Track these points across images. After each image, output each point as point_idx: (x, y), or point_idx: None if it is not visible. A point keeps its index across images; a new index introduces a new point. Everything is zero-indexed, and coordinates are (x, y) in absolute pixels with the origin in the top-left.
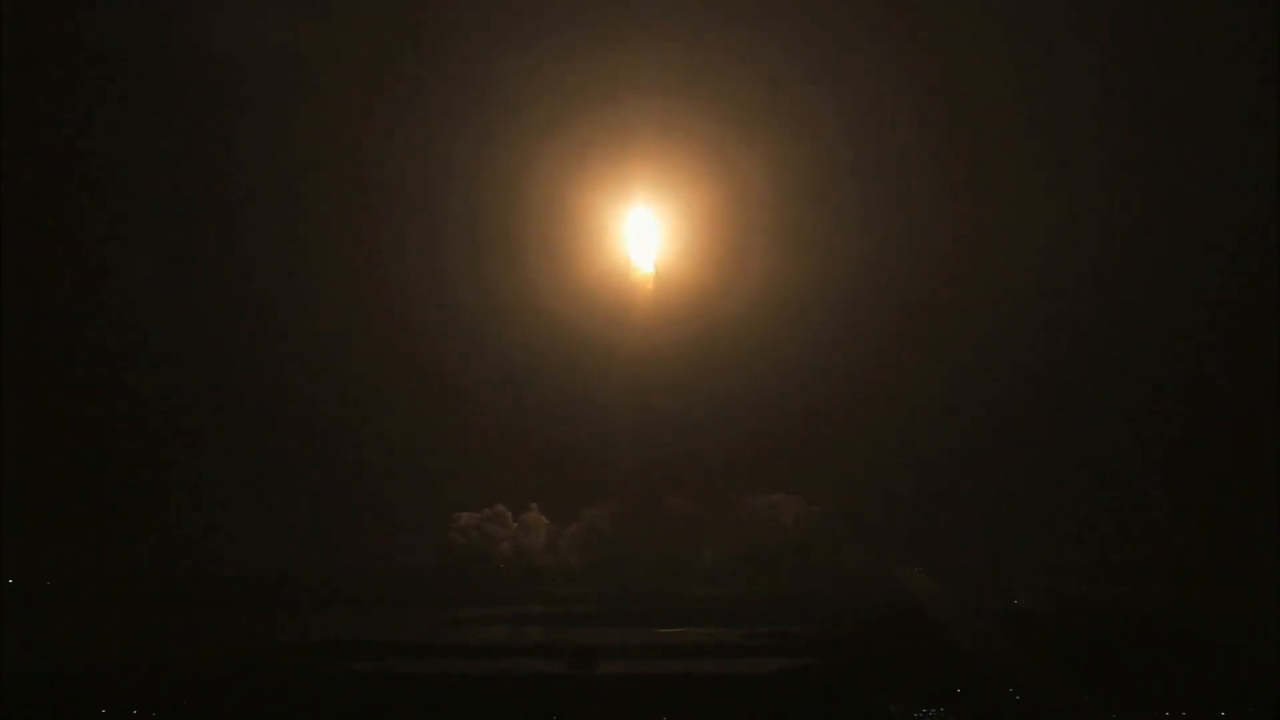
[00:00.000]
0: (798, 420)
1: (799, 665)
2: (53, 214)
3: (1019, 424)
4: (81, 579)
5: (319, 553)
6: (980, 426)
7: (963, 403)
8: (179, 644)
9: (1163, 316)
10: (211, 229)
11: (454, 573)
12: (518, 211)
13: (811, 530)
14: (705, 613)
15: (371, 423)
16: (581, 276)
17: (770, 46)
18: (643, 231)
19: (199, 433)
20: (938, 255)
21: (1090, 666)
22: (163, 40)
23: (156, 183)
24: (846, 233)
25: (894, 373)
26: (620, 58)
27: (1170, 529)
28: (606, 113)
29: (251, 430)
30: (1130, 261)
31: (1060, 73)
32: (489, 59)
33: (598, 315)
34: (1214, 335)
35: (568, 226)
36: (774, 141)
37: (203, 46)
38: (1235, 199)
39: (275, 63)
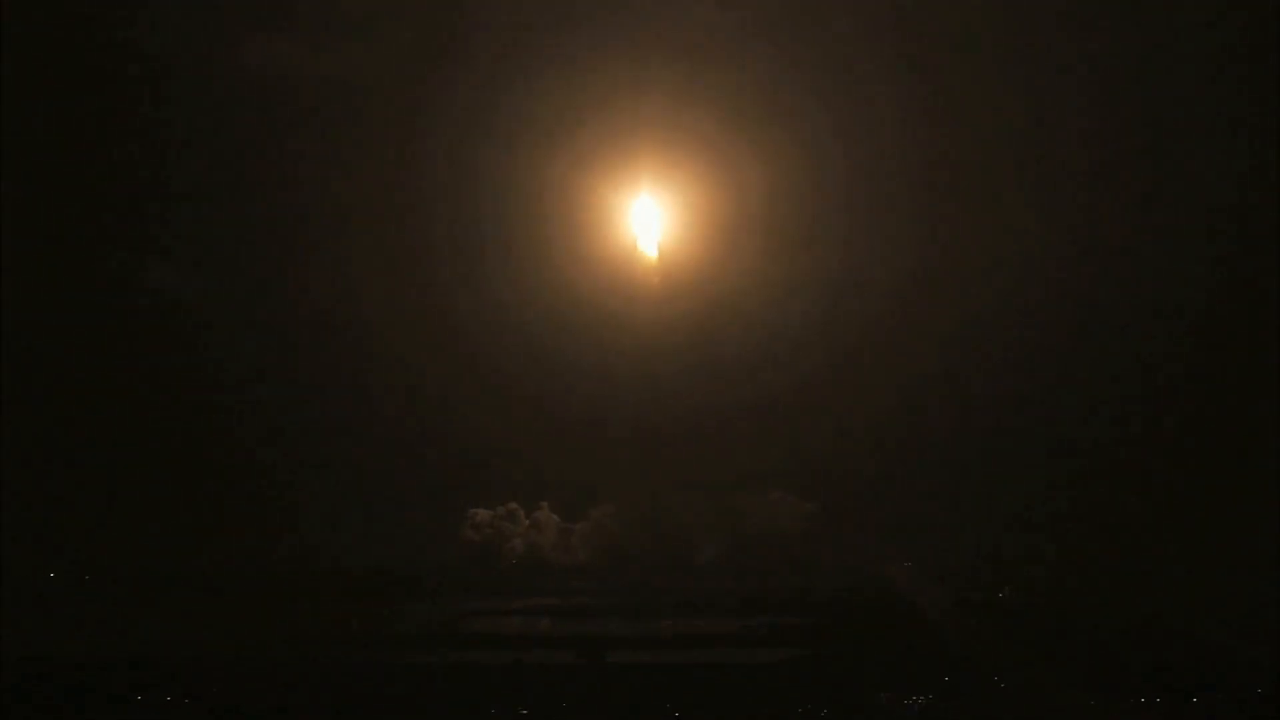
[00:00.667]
0: (792, 416)
1: (794, 655)
2: (127, 227)
3: (1006, 421)
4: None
5: (335, 548)
6: (968, 425)
7: (948, 401)
8: (191, 637)
9: (1152, 311)
10: (263, 237)
11: (469, 567)
12: (537, 205)
13: (806, 528)
14: (706, 606)
15: (396, 418)
16: (594, 259)
17: (768, 50)
18: (647, 219)
19: (213, 429)
20: (927, 253)
21: (1071, 655)
22: (210, 59)
23: (208, 192)
24: (837, 226)
25: (882, 368)
26: (627, 64)
27: (1156, 524)
28: (615, 113)
29: (280, 428)
30: (1119, 258)
31: (1056, 79)
32: (509, 70)
33: (609, 292)
34: (1207, 329)
35: (581, 216)
36: (769, 138)
37: (248, 67)
38: (1214, 203)
39: (318, 80)
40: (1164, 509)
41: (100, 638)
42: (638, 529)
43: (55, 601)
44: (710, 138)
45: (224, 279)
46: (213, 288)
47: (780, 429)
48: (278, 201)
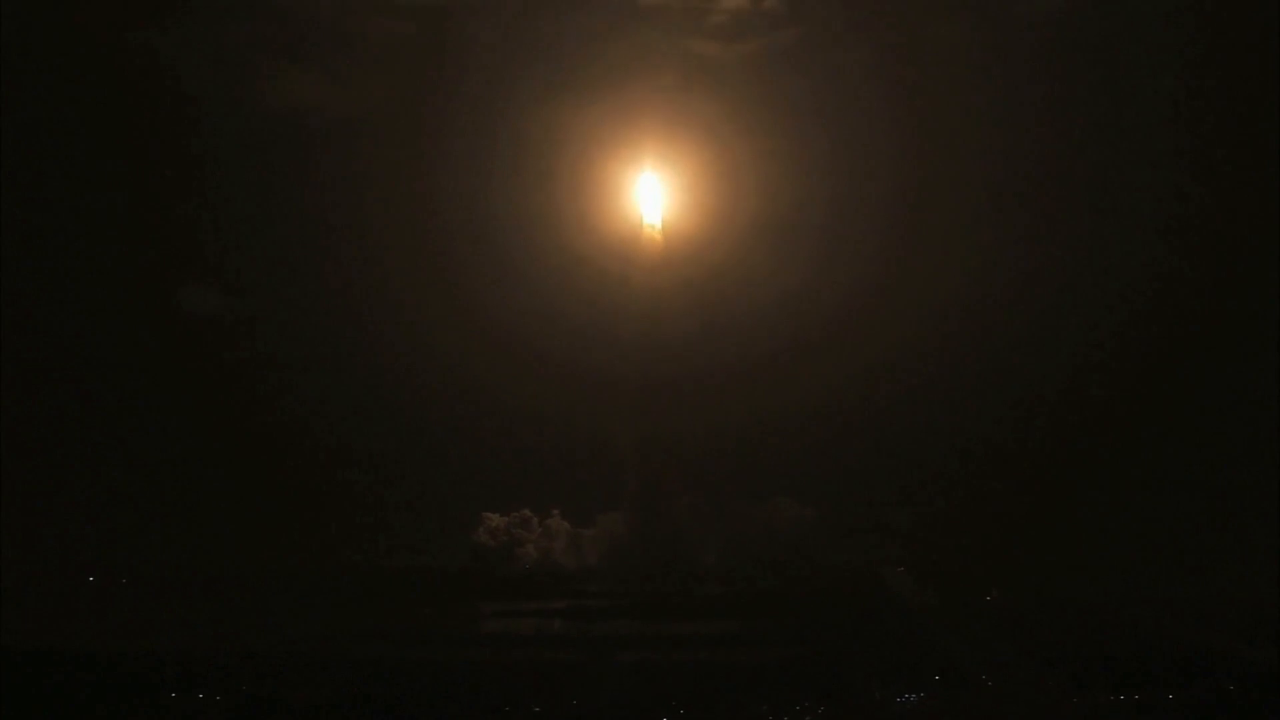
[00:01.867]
0: (790, 419)
1: (793, 655)
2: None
3: (995, 424)
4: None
5: (348, 549)
6: (959, 428)
7: (940, 404)
8: (207, 634)
9: (1140, 314)
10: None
11: (483, 571)
12: (549, 184)
13: (804, 532)
14: (709, 608)
15: (405, 421)
16: (602, 231)
17: (770, 39)
18: (651, 193)
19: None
20: (929, 256)
21: (1056, 655)
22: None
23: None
24: (833, 211)
25: (874, 374)
26: (632, 48)
27: (1142, 526)
28: (621, 94)
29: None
30: (1100, 261)
31: (1034, 97)
32: (516, 59)
33: (616, 261)
34: (1193, 328)
35: (589, 193)
36: (765, 122)
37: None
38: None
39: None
40: (1149, 511)
41: (110, 634)
42: (644, 535)
43: (89, 598)
44: (711, 121)
45: (252, 291)
46: (240, 302)
47: (779, 435)
48: (297, 198)
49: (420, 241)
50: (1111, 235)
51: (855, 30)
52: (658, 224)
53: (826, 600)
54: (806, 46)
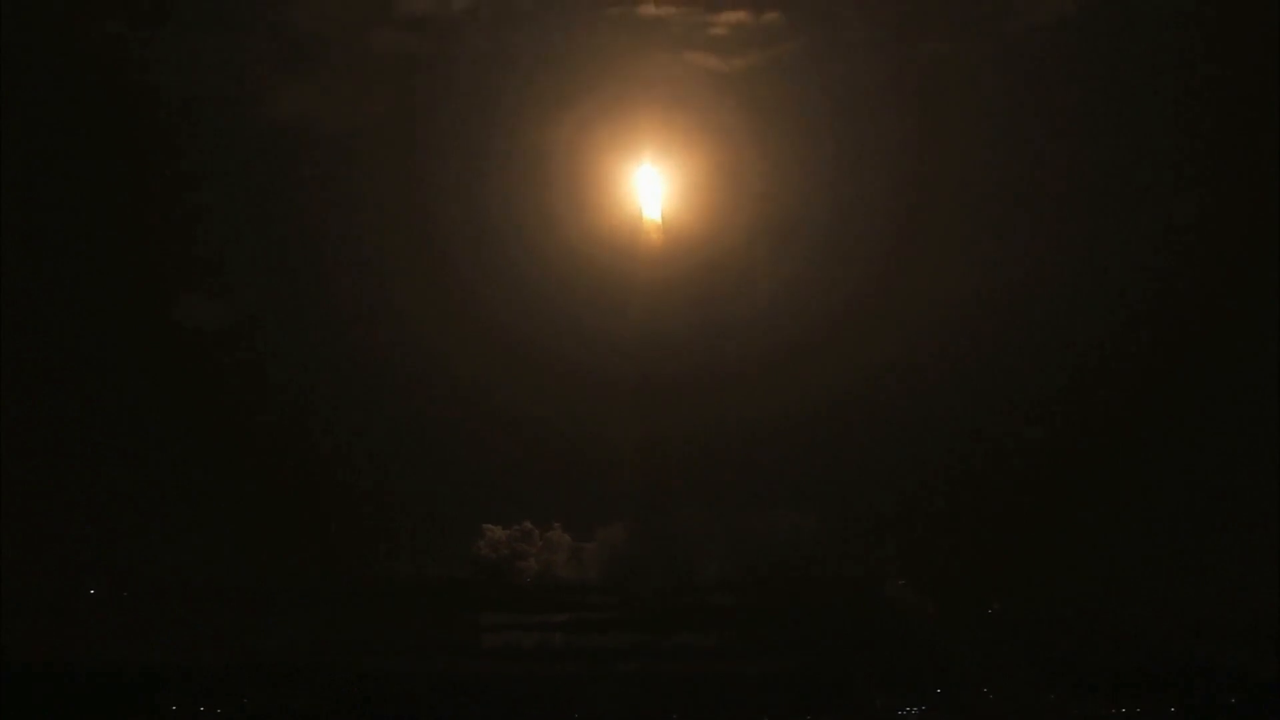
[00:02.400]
0: (792, 424)
1: (794, 666)
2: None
3: (996, 433)
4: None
5: (348, 560)
6: (960, 435)
7: (940, 411)
8: (205, 646)
9: (1141, 318)
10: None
11: (484, 584)
12: (548, 186)
13: (805, 543)
14: (710, 620)
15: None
16: (601, 226)
17: (767, 51)
18: (650, 186)
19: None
20: (934, 260)
21: (1056, 665)
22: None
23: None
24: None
25: (878, 378)
26: (628, 40)
27: (1147, 535)
28: (617, 84)
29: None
30: (1122, 268)
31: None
32: (510, 48)
33: (616, 256)
34: (1192, 333)
35: (587, 186)
36: (768, 121)
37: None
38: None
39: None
40: (1152, 521)
41: (110, 646)
42: (645, 546)
43: (89, 610)
44: (713, 118)
45: (251, 299)
46: (238, 309)
47: (781, 442)
48: (296, 201)
49: (418, 247)
50: (1113, 241)
51: (856, 40)
52: (658, 219)
53: (828, 612)
54: (808, 58)
